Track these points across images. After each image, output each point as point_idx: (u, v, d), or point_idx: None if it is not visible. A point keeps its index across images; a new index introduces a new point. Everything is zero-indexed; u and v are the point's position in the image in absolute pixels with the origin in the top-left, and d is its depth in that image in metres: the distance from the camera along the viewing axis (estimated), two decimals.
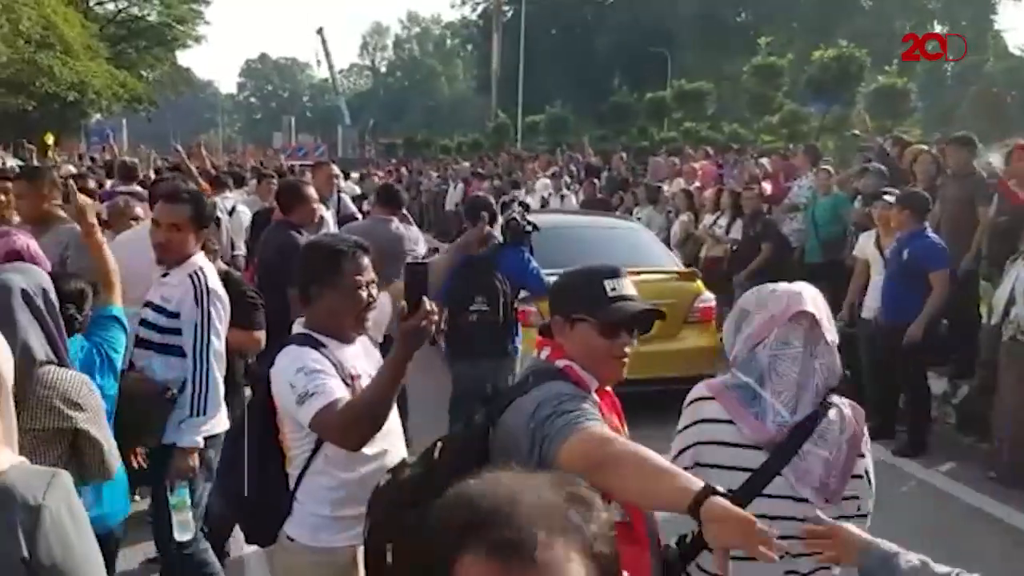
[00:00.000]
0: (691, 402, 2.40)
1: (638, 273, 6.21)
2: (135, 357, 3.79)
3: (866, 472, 2.32)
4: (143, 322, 3.78)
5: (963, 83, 41.09)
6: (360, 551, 2.56)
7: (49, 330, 2.65)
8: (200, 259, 3.85)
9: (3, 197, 5.10)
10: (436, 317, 2.37)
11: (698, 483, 1.73)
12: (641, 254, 7.92)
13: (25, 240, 3.82)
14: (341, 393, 2.56)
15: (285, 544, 2.77)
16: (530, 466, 1.92)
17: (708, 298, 7.75)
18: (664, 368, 6.49)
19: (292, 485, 2.75)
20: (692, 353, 7.18)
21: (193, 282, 3.70)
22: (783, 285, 2.39)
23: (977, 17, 50.83)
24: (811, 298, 2.32)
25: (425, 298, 2.34)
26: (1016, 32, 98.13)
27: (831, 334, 2.32)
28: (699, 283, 7.92)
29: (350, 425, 2.50)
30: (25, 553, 1.54)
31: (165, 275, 3.80)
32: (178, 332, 3.70)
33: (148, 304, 3.79)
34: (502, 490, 0.95)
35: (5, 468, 1.63)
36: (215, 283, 3.77)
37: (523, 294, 5.68)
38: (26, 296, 2.60)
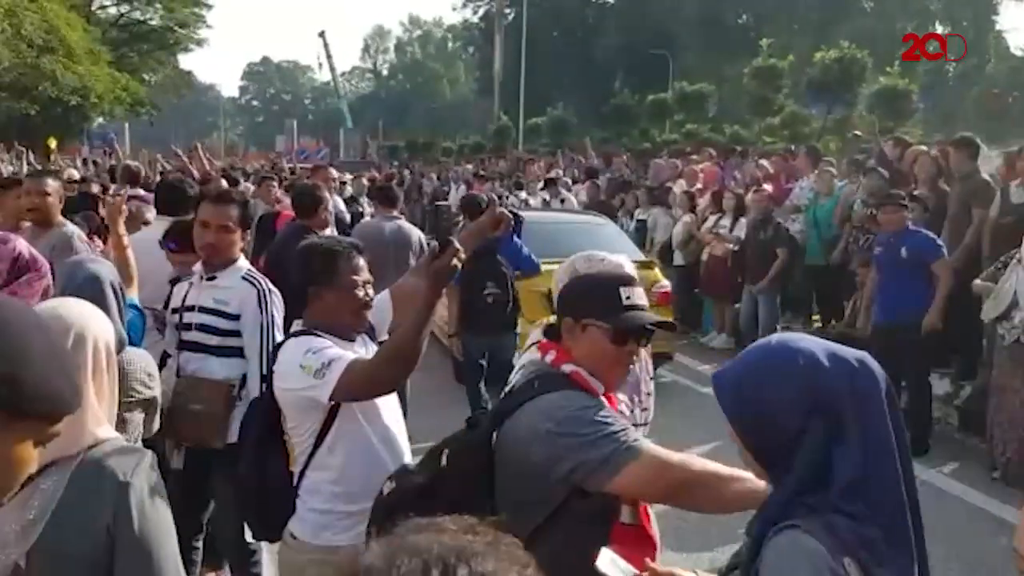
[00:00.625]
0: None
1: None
2: (183, 360, 3.78)
3: (652, 390, 3.02)
4: (189, 326, 3.75)
5: (965, 84, 41.09)
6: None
7: (121, 315, 3.00)
8: (244, 261, 3.87)
9: (38, 200, 5.14)
10: (464, 256, 2.49)
11: (760, 484, 1.88)
12: (605, 245, 8.31)
13: (24, 244, 3.88)
14: (349, 354, 2.63)
15: (289, 542, 2.80)
16: (544, 474, 2.07)
17: (664, 284, 8.81)
18: None
19: (296, 482, 2.79)
20: None
21: (254, 285, 3.71)
22: (609, 255, 2.72)
23: (978, 18, 50.82)
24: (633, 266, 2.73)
25: (452, 238, 2.49)
26: (1017, 33, 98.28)
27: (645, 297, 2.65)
28: (657, 271, 8.99)
29: (381, 366, 2.58)
30: (110, 521, 1.76)
31: (212, 278, 3.77)
32: (237, 334, 3.69)
33: (194, 308, 3.76)
34: (445, 545, 0.95)
35: (103, 439, 1.84)
36: (270, 284, 3.78)
37: None
38: (112, 285, 2.96)
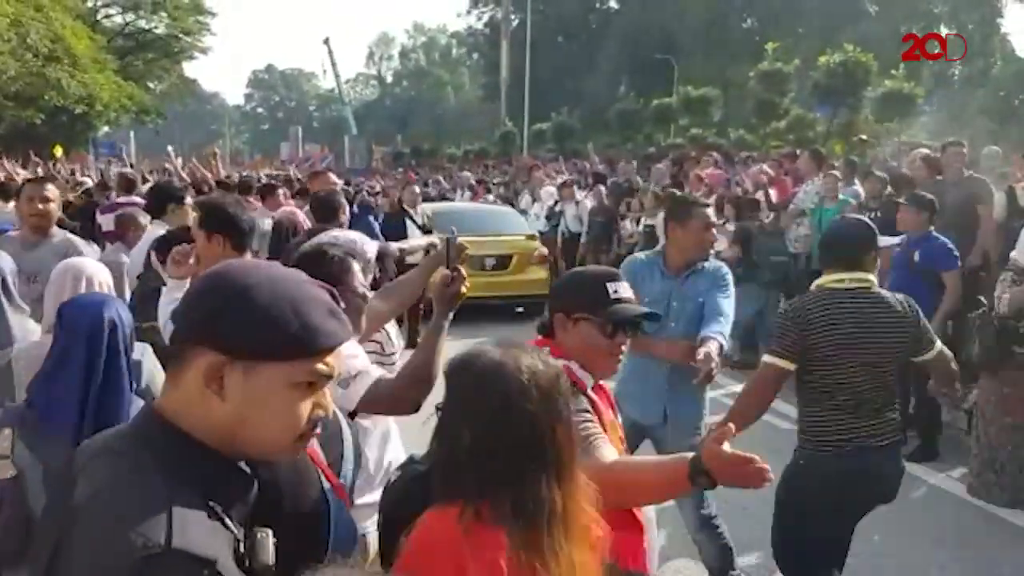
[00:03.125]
0: None
1: (500, 235, 12.32)
2: None
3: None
4: None
5: (971, 87, 40.99)
6: (373, 537, 2.61)
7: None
8: None
9: (41, 206, 5.08)
10: (468, 285, 2.79)
11: (683, 459, 2.05)
12: (505, 224, 13.21)
13: None
14: (379, 371, 2.74)
15: None
16: None
17: (543, 250, 12.71)
18: (520, 288, 11.65)
19: None
20: (533, 282, 11.87)
21: None
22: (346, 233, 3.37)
23: (984, 21, 50.69)
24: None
25: (459, 266, 2.82)
26: (1022, 35, 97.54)
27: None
28: (537, 242, 12.86)
29: (405, 388, 2.68)
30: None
31: None
32: None
33: None
34: None
35: None
36: None
37: None
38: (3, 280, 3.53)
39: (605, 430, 2.36)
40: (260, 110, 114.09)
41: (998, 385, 5.43)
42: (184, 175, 11.84)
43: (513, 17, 53.13)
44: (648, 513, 2.46)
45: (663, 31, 49.24)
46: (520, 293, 11.73)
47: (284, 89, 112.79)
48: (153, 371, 2.91)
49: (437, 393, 2.68)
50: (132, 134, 39.27)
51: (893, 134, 20.62)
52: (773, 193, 11.01)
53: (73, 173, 17.10)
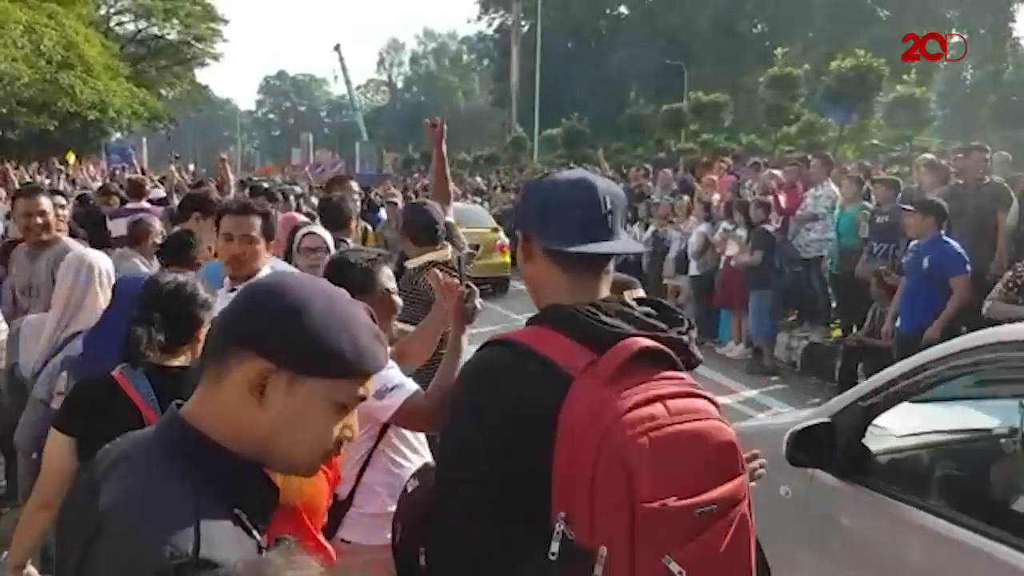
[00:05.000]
0: None
1: (471, 228, 12.78)
2: None
3: None
4: None
5: (983, 92, 40.84)
6: None
7: None
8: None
9: (35, 220, 5.02)
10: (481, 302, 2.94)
11: None
12: (475, 219, 15.31)
13: None
14: (415, 385, 2.77)
15: (340, 547, 2.81)
16: None
17: (504, 240, 15.28)
18: (486, 271, 12.97)
19: (352, 489, 2.88)
20: (496, 265, 14.89)
21: None
22: None
23: (996, 25, 50.51)
24: None
25: (471, 283, 2.94)
26: None
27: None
28: (501, 232, 15.48)
29: (441, 407, 2.70)
30: None
31: (233, 290, 3.77)
32: None
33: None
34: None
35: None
36: None
37: None
38: None
39: None
40: (271, 116, 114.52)
41: None
42: (184, 179, 11.93)
43: (523, 23, 53.22)
44: None
45: (673, 36, 49.24)
46: (486, 275, 12.91)
47: (295, 95, 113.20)
48: None
49: None
50: (144, 140, 39.46)
51: (904, 139, 20.57)
52: (783, 198, 10.99)
53: (73, 182, 16.97)
